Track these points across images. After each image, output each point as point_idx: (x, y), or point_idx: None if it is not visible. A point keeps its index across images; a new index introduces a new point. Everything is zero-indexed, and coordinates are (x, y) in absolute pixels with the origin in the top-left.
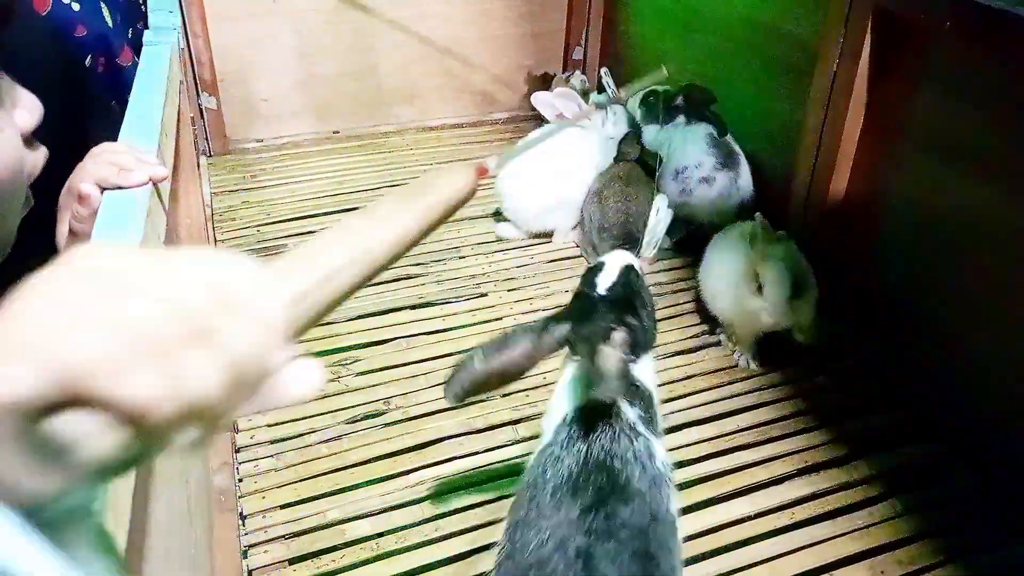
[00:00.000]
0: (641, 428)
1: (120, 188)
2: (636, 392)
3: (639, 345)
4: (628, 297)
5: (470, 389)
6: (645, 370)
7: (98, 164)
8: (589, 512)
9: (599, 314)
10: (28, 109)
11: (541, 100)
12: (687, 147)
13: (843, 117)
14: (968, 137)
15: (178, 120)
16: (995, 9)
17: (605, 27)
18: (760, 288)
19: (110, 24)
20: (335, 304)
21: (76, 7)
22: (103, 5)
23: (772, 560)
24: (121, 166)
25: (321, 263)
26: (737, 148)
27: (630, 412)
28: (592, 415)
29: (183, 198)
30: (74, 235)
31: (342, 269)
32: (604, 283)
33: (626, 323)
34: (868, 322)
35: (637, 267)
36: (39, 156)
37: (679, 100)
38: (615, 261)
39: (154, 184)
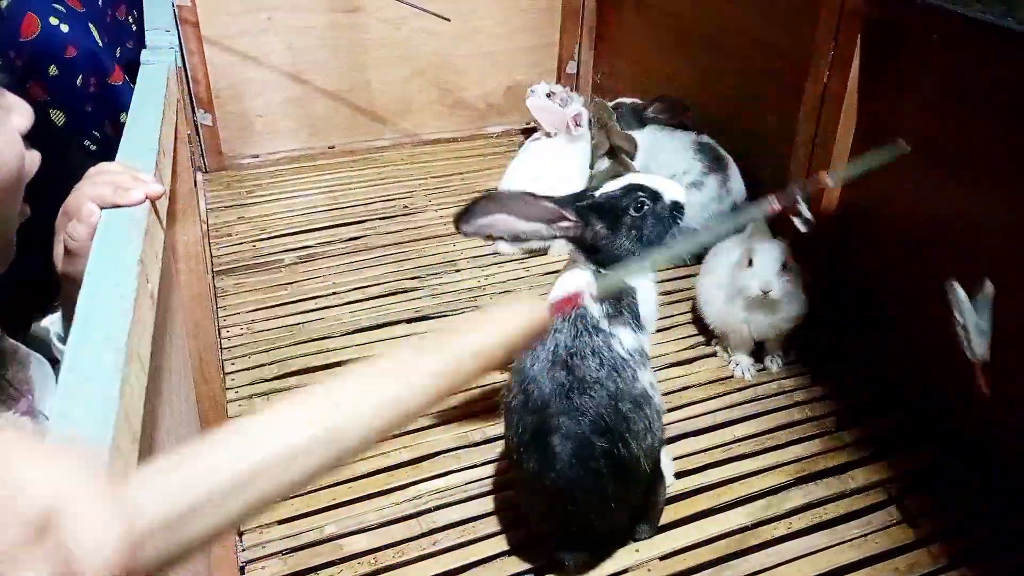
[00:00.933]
0: (604, 324)
1: (118, 207)
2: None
3: (603, 252)
4: (612, 207)
5: (479, 224)
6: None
7: (95, 184)
8: (552, 401)
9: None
10: (21, 113)
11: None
12: (674, 155)
13: (835, 127)
14: (958, 145)
15: (175, 138)
16: (983, 21)
17: (598, 41)
18: (751, 263)
19: (100, 44)
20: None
21: (65, 28)
22: (91, 25)
23: (770, 570)
24: (118, 185)
25: (200, 478)
26: (724, 152)
27: (595, 310)
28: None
29: (181, 216)
30: (70, 255)
31: (241, 483)
32: (604, 190)
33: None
34: (864, 329)
35: (649, 184)
36: (35, 157)
37: (651, 111)
38: (627, 178)
39: (151, 202)
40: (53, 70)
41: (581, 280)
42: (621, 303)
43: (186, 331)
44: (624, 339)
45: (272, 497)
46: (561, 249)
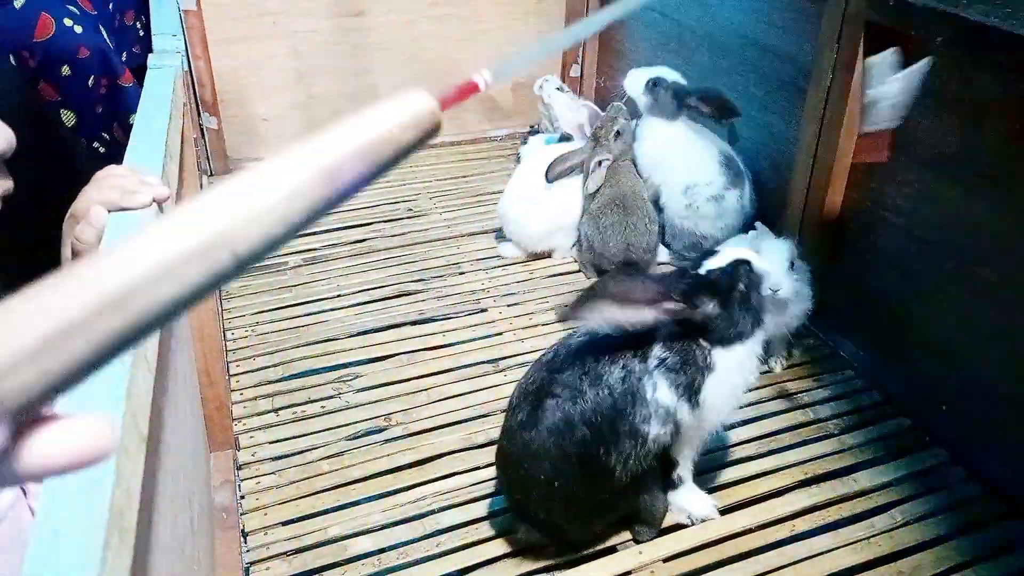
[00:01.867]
0: (651, 363)
1: (125, 210)
2: (688, 352)
3: (715, 332)
4: (725, 284)
5: (587, 318)
6: (728, 358)
7: (102, 188)
8: (566, 372)
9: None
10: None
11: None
12: (700, 164)
13: (838, 131)
14: (960, 149)
15: (182, 142)
16: (985, 25)
17: (601, 45)
18: None
19: (111, 46)
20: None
21: (79, 30)
22: (102, 28)
23: (773, 572)
24: (125, 189)
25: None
26: (742, 166)
27: (656, 349)
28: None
29: None
30: (77, 257)
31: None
32: (709, 266)
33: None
34: (866, 333)
35: (754, 262)
36: (9, 184)
37: (693, 100)
38: (730, 253)
39: (158, 204)
40: (66, 70)
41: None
42: (685, 370)
43: (192, 332)
44: (660, 392)
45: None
46: (564, 253)
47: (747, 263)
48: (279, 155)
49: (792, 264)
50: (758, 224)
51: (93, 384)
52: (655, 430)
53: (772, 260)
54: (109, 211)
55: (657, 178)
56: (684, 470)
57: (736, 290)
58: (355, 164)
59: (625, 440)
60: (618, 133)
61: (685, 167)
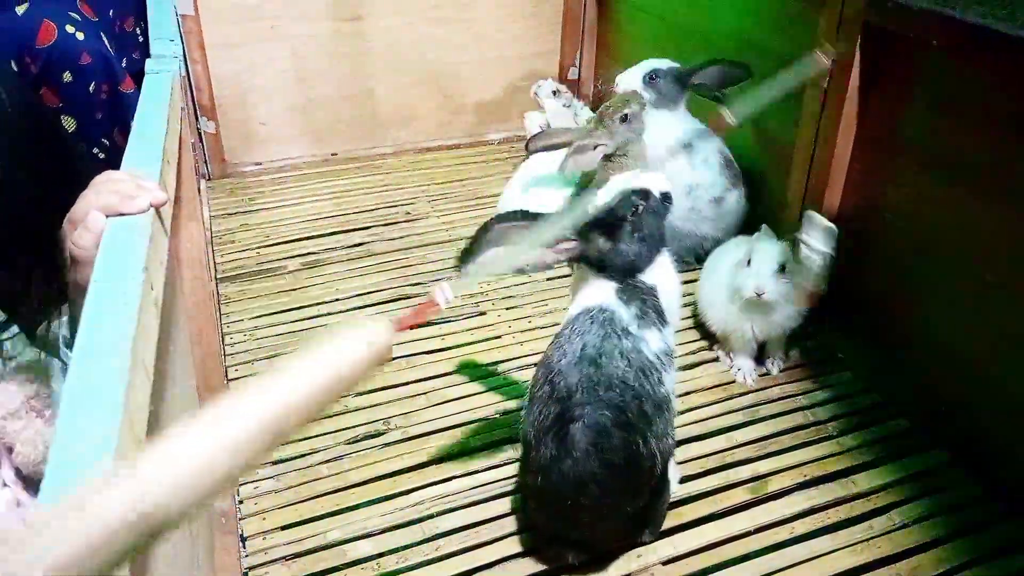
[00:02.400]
0: (633, 328)
1: (123, 215)
2: (635, 292)
3: (611, 268)
4: (611, 217)
5: (480, 263)
6: (657, 271)
7: (100, 193)
8: (577, 393)
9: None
10: None
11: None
12: (703, 165)
13: (835, 132)
14: (957, 150)
15: (180, 146)
16: (981, 26)
17: (599, 47)
18: (749, 263)
19: (112, 52)
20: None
21: (81, 36)
22: (103, 35)
23: (772, 575)
24: (123, 194)
25: None
26: (739, 168)
27: (624, 314)
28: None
29: (185, 223)
30: (76, 262)
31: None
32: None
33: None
34: (865, 335)
35: (652, 189)
36: None
37: (697, 77)
38: (619, 184)
39: (156, 209)
40: (67, 76)
41: (607, 293)
42: (647, 304)
43: (190, 337)
44: (652, 342)
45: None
46: None
47: (631, 191)
48: (228, 407)
49: (783, 267)
50: (763, 226)
51: (92, 390)
52: (669, 381)
53: (762, 262)
54: (107, 216)
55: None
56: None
57: (624, 219)
58: (305, 408)
59: (655, 418)
60: (625, 118)
61: (690, 168)
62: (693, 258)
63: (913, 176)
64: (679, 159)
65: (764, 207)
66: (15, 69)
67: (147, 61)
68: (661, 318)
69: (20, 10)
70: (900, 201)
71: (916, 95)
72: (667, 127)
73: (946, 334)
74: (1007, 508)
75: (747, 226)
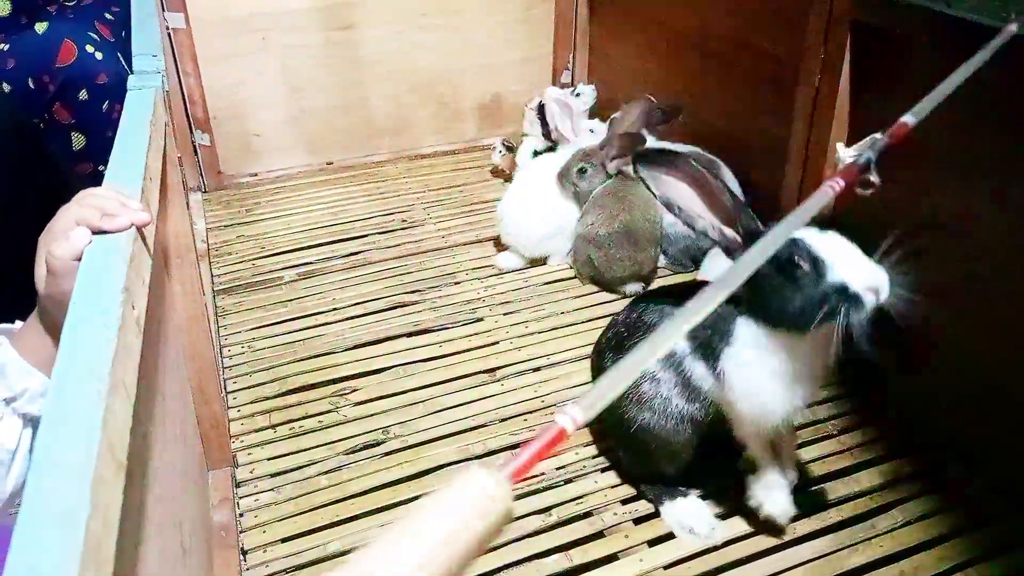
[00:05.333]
0: (685, 363)
1: (103, 232)
2: (712, 355)
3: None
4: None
5: (660, 179)
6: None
7: (82, 207)
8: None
9: None
10: None
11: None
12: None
13: (827, 130)
14: (950, 145)
15: (165, 162)
16: (969, 21)
17: (591, 51)
18: None
19: (128, 73)
20: None
21: (100, 56)
22: (120, 56)
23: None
24: (104, 210)
25: None
26: (712, 156)
27: (688, 353)
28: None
29: (173, 239)
30: (52, 274)
31: None
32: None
33: None
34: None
35: (816, 252)
36: None
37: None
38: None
39: (138, 229)
40: (83, 95)
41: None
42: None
43: (184, 353)
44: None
45: None
46: (560, 259)
47: (803, 247)
48: None
49: None
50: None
51: (70, 415)
52: (666, 382)
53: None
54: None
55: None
56: (753, 453)
57: (781, 255)
58: None
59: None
60: (583, 171)
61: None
62: (690, 260)
63: (909, 172)
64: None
65: (759, 205)
66: (32, 87)
67: (130, 77)
68: (708, 356)
69: (40, 28)
70: (894, 196)
71: (907, 91)
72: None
73: (944, 330)
74: (1009, 504)
75: None
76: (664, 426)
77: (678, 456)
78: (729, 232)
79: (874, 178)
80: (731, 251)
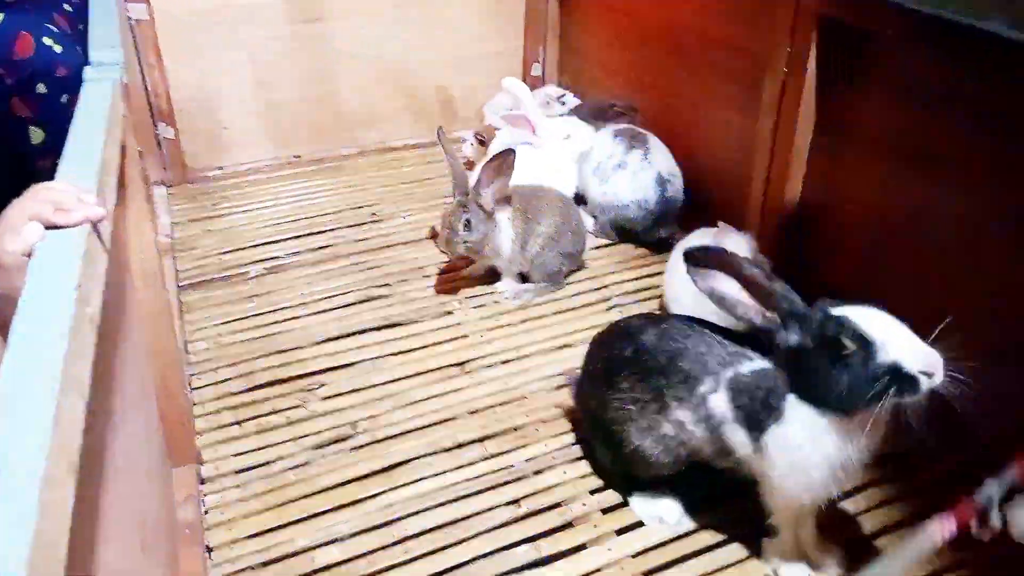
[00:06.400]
0: (725, 427)
1: (57, 227)
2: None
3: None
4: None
5: (710, 276)
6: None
7: (35, 201)
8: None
9: None
10: None
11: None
12: (598, 147)
13: (793, 123)
14: (914, 138)
15: (124, 156)
16: (934, 16)
17: (561, 44)
18: None
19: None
20: None
21: (58, 49)
22: (79, 48)
23: (738, 563)
24: (58, 205)
25: None
26: (644, 131)
27: (723, 403)
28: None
29: (134, 234)
30: (2, 270)
31: None
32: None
33: None
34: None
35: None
36: None
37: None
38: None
39: (93, 225)
40: (42, 88)
41: None
42: (753, 393)
43: (146, 349)
44: (718, 399)
45: None
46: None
47: (849, 327)
48: None
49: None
50: (720, 223)
51: (20, 414)
52: (692, 425)
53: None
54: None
55: (578, 180)
56: (776, 520)
57: (827, 335)
58: None
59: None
60: (468, 224)
61: (590, 153)
62: (615, 232)
63: (872, 166)
64: (576, 153)
65: (727, 199)
66: None
67: (86, 69)
68: (751, 427)
69: None
70: (860, 189)
71: (872, 85)
72: (560, 149)
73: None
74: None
75: (709, 218)
76: (661, 458)
77: (659, 475)
78: (770, 314)
79: (995, 521)
80: (770, 333)
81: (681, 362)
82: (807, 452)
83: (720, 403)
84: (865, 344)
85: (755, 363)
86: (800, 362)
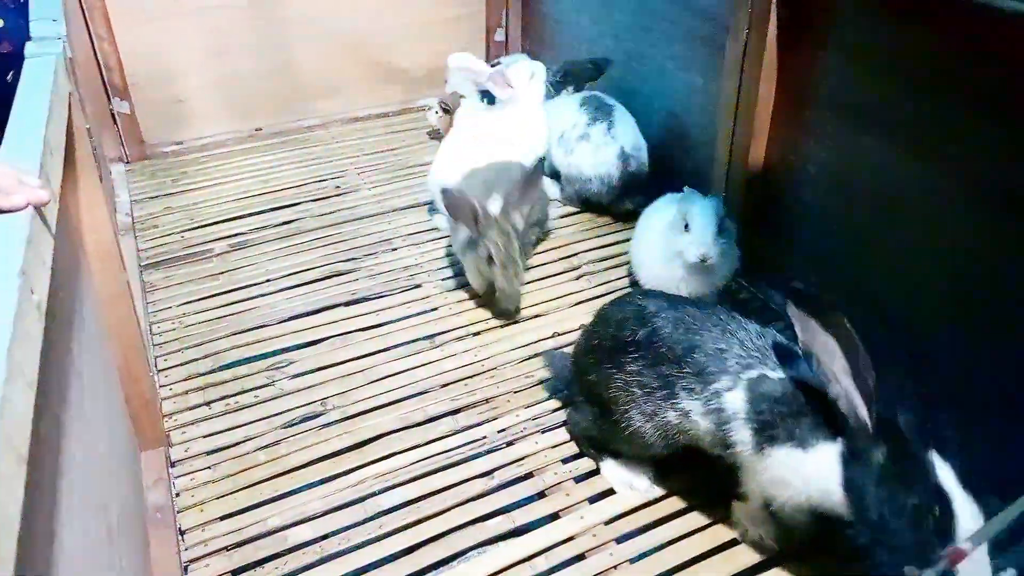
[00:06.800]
0: (733, 424)
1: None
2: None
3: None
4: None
5: (826, 347)
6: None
7: None
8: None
9: None
10: None
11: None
12: (563, 115)
13: (756, 85)
14: (873, 100)
15: (71, 134)
16: None
17: (524, 8)
18: (687, 227)
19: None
20: None
21: (1, 23)
22: (23, 22)
23: (708, 528)
24: (0, 188)
25: None
26: (611, 101)
27: (739, 402)
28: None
29: (87, 214)
30: None
31: None
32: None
33: None
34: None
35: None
36: None
37: (560, 76)
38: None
39: (36, 209)
40: None
41: None
42: (774, 413)
43: (106, 333)
44: (735, 399)
45: None
46: None
47: (933, 487)
48: None
49: (721, 226)
50: (686, 188)
51: None
52: (698, 417)
53: (702, 226)
54: None
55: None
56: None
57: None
58: None
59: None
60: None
61: (554, 124)
62: (579, 202)
63: (833, 127)
64: (542, 124)
65: (693, 162)
66: None
67: (27, 45)
68: (760, 435)
69: None
70: (821, 151)
71: (833, 47)
72: (528, 115)
73: (873, 282)
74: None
75: (675, 184)
76: (658, 443)
77: (647, 456)
78: (863, 414)
79: None
80: (855, 434)
81: (697, 355)
82: (811, 486)
83: (735, 401)
84: (942, 499)
85: (778, 373)
86: (866, 474)
